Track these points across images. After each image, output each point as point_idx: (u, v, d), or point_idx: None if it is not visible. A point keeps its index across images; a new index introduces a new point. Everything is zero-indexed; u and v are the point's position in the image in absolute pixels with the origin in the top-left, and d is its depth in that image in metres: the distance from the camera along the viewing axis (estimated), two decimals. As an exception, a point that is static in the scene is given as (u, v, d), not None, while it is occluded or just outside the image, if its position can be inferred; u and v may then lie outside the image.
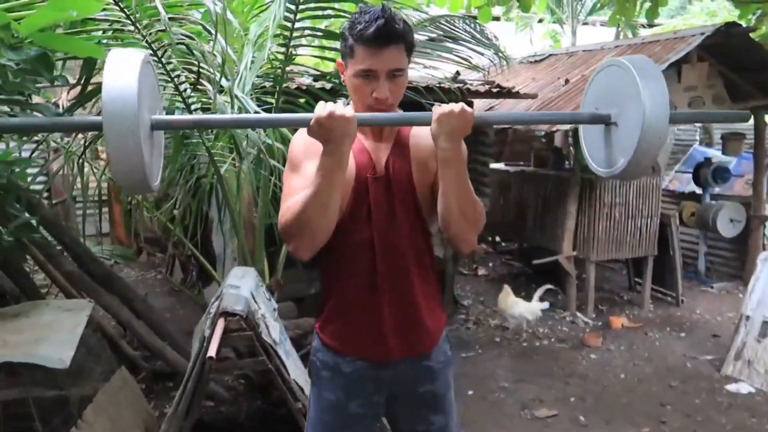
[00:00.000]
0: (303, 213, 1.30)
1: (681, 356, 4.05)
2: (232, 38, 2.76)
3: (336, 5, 2.91)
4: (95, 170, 3.30)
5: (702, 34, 4.55)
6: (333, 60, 3.08)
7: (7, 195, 2.51)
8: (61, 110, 2.58)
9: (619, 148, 1.32)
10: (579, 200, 4.76)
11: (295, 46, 2.91)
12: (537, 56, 6.43)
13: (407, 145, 1.47)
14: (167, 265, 5.92)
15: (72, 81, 2.30)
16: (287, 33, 2.75)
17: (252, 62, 2.61)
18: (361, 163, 1.43)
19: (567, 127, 4.18)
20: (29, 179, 3.16)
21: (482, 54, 4.28)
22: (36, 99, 3.77)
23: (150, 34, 2.11)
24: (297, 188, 1.38)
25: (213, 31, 2.02)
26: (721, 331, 4.47)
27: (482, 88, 4.38)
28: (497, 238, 7.02)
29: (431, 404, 1.55)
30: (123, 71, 1.11)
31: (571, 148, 5.33)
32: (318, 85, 3.44)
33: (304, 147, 1.43)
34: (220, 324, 2.38)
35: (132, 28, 2.17)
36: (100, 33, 2.29)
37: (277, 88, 2.93)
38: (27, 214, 2.85)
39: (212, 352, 2.24)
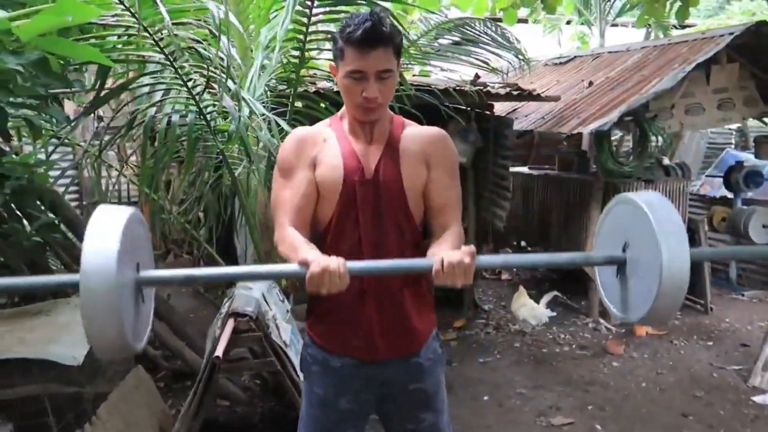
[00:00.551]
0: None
1: (707, 366, 3.93)
2: (246, 42, 2.79)
3: (350, 9, 2.93)
4: (118, 171, 3.39)
5: (731, 34, 4.42)
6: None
7: (27, 196, 2.58)
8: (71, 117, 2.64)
9: (636, 295, 1.19)
10: (602, 204, 4.67)
11: (310, 50, 2.94)
12: (562, 58, 6.35)
13: (398, 148, 1.47)
14: (192, 266, 6.01)
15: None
16: (301, 36, 2.77)
17: (264, 66, 2.64)
18: (350, 168, 1.44)
19: (594, 127, 4.10)
20: (52, 180, 3.25)
21: (501, 56, 4.25)
22: (68, 104, 3.90)
23: (161, 39, 2.15)
24: (287, 200, 1.44)
25: (218, 35, 2.05)
26: (751, 340, 4.32)
27: (502, 91, 4.34)
28: (523, 243, 6.93)
29: (421, 402, 1.56)
30: (106, 230, 1.07)
31: (594, 152, 5.24)
32: (336, 88, 3.46)
33: (295, 152, 1.46)
34: (230, 324, 2.41)
35: (145, 33, 2.21)
36: (115, 38, 2.35)
37: (292, 92, 2.96)
38: (51, 215, 2.95)
39: (219, 351, 2.26)
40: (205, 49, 2.22)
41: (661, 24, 8.82)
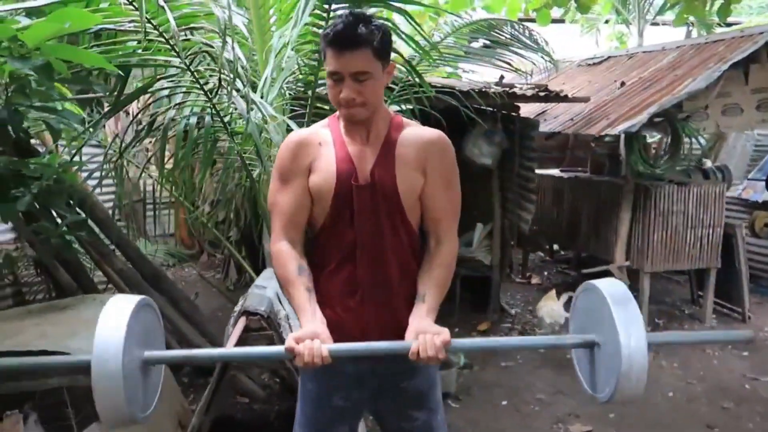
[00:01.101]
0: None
1: (740, 376, 3.78)
2: (264, 45, 2.84)
3: (368, 11, 2.95)
4: (144, 172, 3.49)
5: (771, 31, 4.25)
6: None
7: (55, 196, 2.69)
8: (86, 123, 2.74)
9: (603, 375, 1.30)
10: (633, 208, 4.55)
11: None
12: (595, 59, 6.22)
13: (393, 152, 1.47)
14: (223, 266, 6.14)
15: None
16: (318, 39, 2.80)
17: (281, 68, 2.68)
18: (343, 172, 1.44)
19: (622, 128, 4.00)
20: (87, 181, 3.38)
21: (526, 58, 4.20)
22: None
23: (176, 44, 2.21)
24: (283, 206, 1.47)
25: (227, 38, 2.09)
26: (790, 351, 4.14)
27: (529, 92, 4.28)
28: (555, 246, 6.81)
29: (414, 400, 1.56)
30: (115, 318, 1.23)
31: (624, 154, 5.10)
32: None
33: (291, 158, 1.48)
34: (241, 322, 2.45)
35: (161, 39, 2.28)
36: (135, 43, 2.43)
37: (310, 94, 2.99)
38: (81, 213, 3.06)
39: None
40: (217, 53, 2.27)
41: (704, 22, 8.52)
